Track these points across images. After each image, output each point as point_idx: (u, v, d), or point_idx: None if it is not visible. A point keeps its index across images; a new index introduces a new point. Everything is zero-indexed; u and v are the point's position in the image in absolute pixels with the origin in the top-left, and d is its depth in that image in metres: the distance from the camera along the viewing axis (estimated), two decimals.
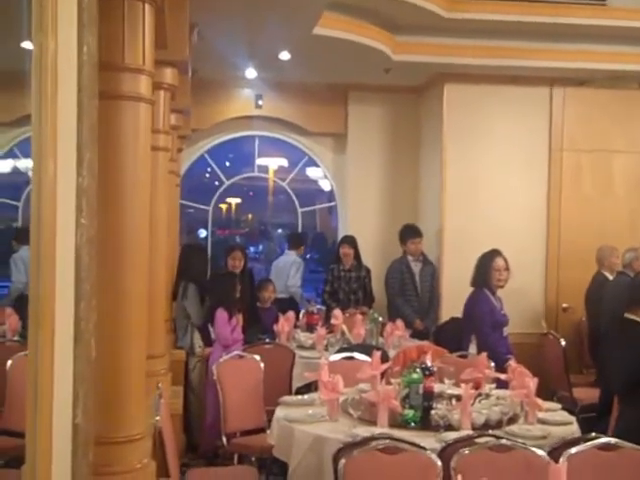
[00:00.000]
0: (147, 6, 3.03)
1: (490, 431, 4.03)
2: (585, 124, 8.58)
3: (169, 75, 4.82)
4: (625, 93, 8.59)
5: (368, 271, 8.34)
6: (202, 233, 10.66)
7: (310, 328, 7.33)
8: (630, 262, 7.33)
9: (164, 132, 4.84)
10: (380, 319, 7.12)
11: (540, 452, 3.59)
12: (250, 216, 14.23)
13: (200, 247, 7.95)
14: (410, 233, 8.29)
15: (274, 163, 10.40)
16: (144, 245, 3.14)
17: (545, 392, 5.13)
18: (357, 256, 8.30)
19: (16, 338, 6.25)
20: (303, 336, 7.09)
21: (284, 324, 7.02)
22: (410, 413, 4.32)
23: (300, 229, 10.05)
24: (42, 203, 2.17)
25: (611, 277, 7.47)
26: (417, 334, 7.51)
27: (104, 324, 2.80)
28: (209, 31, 6.41)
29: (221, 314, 6.48)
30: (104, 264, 2.81)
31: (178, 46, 4.67)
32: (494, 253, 6.56)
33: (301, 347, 6.82)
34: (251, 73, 8.46)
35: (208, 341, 6.83)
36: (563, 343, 7.18)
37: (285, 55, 7.59)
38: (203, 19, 5.91)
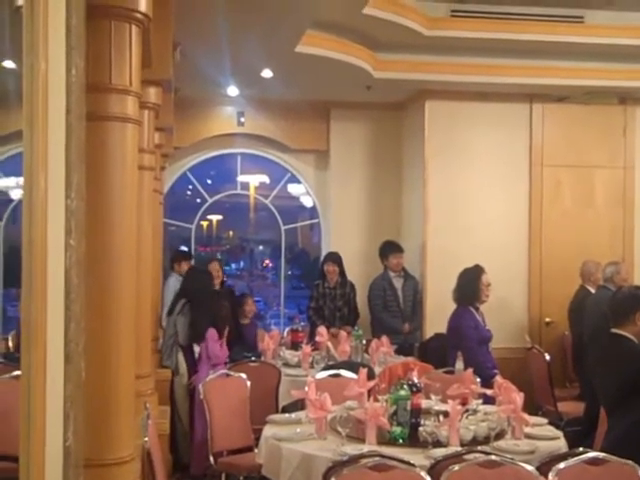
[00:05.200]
0: (134, 27, 3.04)
1: (478, 447, 4.04)
2: (565, 140, 8.66)
3: (153, 94, 4.82)
4: (604, 108, 8.68)
5: (353, 287, 8.35)
6: None
7: (295, 346, 7.33)
8: (611, 276, 7.37)
9: (149, 151, 4.84)
10: (364, 341, 7.11)
11: (529, 467, 3.60)
12: (231, 233, 14.19)
13: (204, 271, 7.85)
14: (392, 248, 8.32)
15: (256, 180, 10.40)
16: (132, 265, 3.13)
17: (530, 407, 5.15)
18: (342, 273, 8.31)
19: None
20: (288, 354, 7.08)
21: (269, 342, 7.02)
22: (398, 430, 4.32)
23: (283, 245, 10.06)
24: (33, 225, 2.17)
25: (594, 291, 7.52)
26: (402, 349, 7.52)
27: (93, 345, 2.79)
28: (192, 49, 6.42)
29: (212, 333, 6.47)
30: (92, 285, 2.80)
31: (162, 65, 4.67)
32: (480, 270, 6.59)
33: (287, 365, 6.82)
34: (233, 91, 8.49)
35: (192, 361, 6.79)
36: (547, 357, 7.21)
37: (267, 73, 7.62)
38: (186, 37, 5.92)
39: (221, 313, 6.55)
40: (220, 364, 6.39)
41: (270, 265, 14.33)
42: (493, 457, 3.65)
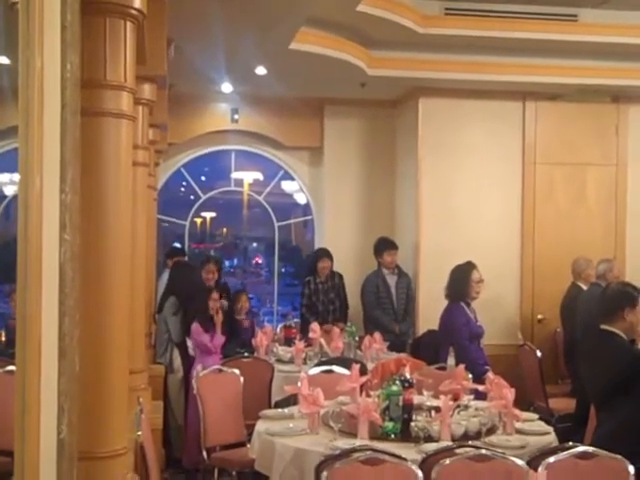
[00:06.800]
0: (128, 24, 3.05)
1: (469, 442, 4.07)
2: (558, 138, 8.70)
3: (147, 90, 4.82)
4: (597, 107, 8.72)
5: (341, 277, 8.43)
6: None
7: (288, 342, 7.36)
8: (604, 273, 7.41)
9: (143, 147, 4.84)
10: (357, 338, 7.15)
11: (519, 462, 3.63)
12: (225, 230, 14.22)
13: (190, 265, 7.91)
14: (386, 245, 8.35)
15: (250, 177, 10.42)
16: (126, 261, 3.15)
17: (521, 403, 5.17)
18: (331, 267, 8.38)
19: None
20: (281, 350, 7.11)
21: (262, 338, 7.04)
22: (390, 425, 4.35)
23: (277, 242, 10.08)
24: (28, 220, 2.19)
25: (585, 288, 7.56)
26: (394, 345, 7.54)
27: (87, 339, 2.81)
28: (186, 46, 6.43)
29: (196, 327, 6.51)
30: (87, 280, 2.82)
31: (156, 62, 4.68)
32: (471, 266, 6.63)
33: (280, 361, 6.84)
34: (227, 87, 8.49)
35: (186, 358, 6.83)
36: (539, 354, 7.24)
37: (261, 70, 7.63)
38: (180, 34, 5.92)
39: (205, 308, 6.58)
40: (216, 353, 6.44)
41: (263, 262, 14.36)
42: (484, 451, 3.68)
